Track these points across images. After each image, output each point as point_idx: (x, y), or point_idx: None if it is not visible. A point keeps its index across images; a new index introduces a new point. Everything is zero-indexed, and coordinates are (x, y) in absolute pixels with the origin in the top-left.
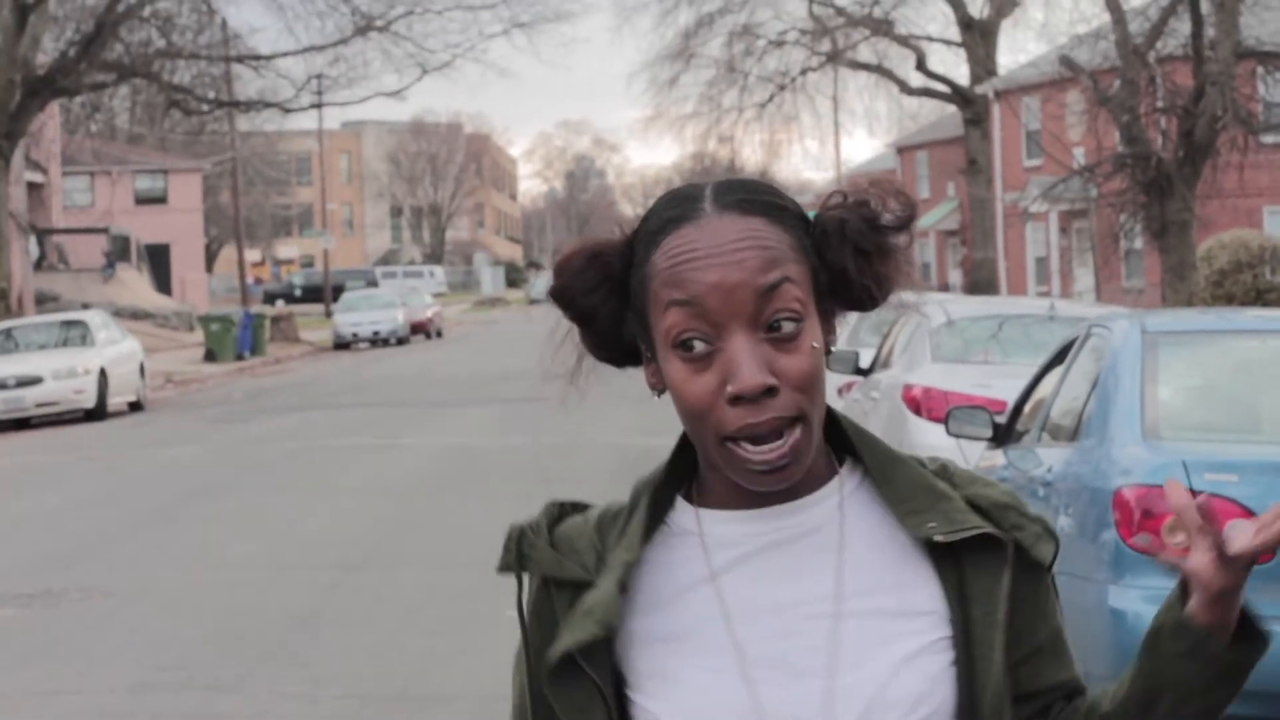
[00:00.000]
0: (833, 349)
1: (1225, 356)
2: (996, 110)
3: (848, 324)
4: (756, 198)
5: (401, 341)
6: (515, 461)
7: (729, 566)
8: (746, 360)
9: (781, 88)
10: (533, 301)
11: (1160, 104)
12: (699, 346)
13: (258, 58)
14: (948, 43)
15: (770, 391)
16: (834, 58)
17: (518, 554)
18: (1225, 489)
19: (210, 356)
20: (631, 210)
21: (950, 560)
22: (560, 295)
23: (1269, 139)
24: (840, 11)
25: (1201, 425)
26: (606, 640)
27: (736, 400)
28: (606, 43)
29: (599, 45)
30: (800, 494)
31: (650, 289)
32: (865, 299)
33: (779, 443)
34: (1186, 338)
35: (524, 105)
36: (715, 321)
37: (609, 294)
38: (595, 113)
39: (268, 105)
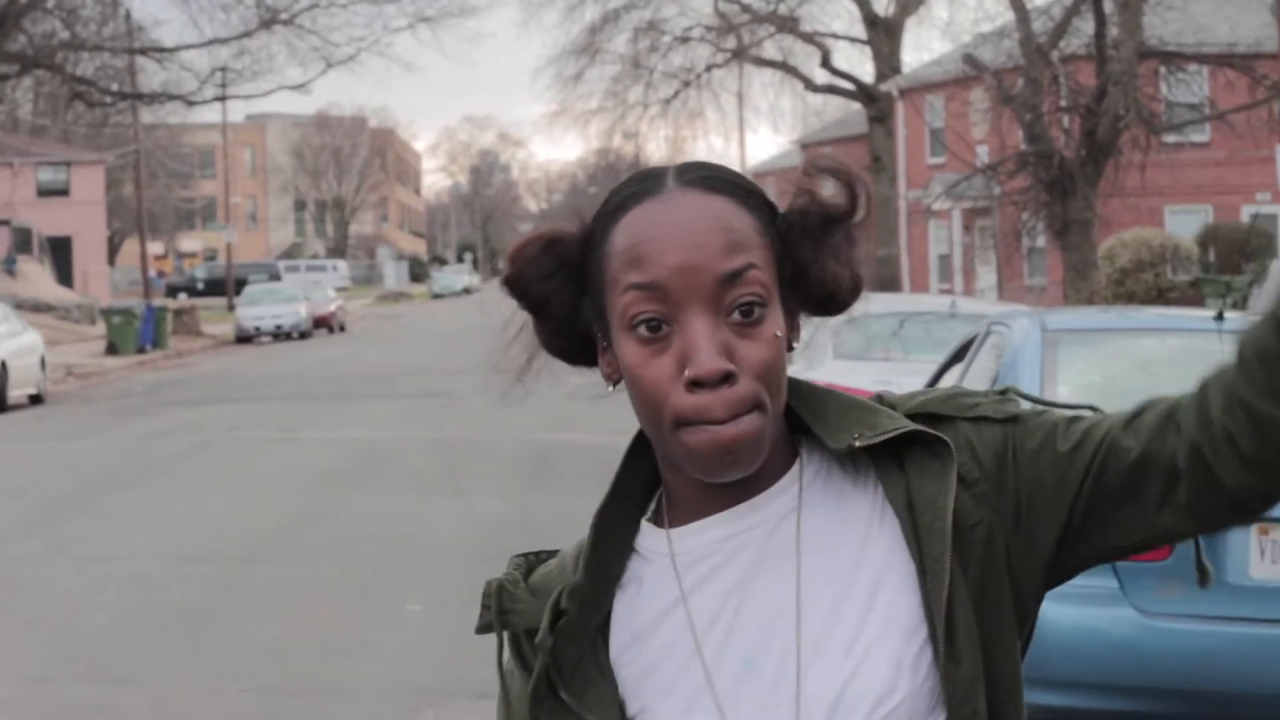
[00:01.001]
0: (794, 345)
1: (1124, 355)
2: (901, 108)
3: None
4: (721, 176)
5: (304, 335)
6: (418, 456)
7: (699, 584)
8: (705, 344)
9: (686, 84)
10: (436, 296)
11: (1063, 103)
12: (653, 327)
13: (162, 50)
14: (853, 40)
15: (729, 378)
16: (739, 54)
17: (498, 610)
18: None
19: (112, 349)
20: (536, 206)
21: (899, 482)
22: (513, 283)
23: (1171, 138)
24: (745, 8)
25: None
26: (606, 679)
27: (694, 385)
28: (512, 37)
29: (505, 40)
30: (760, 489)
31: (608, 269)
32: (825, 298)
33: (733, 424)
34: (1086, 336)
35: (429, 99)
36: (675, 302)
37: (564, 281)
38: (500, 108)
39: (171, 98)
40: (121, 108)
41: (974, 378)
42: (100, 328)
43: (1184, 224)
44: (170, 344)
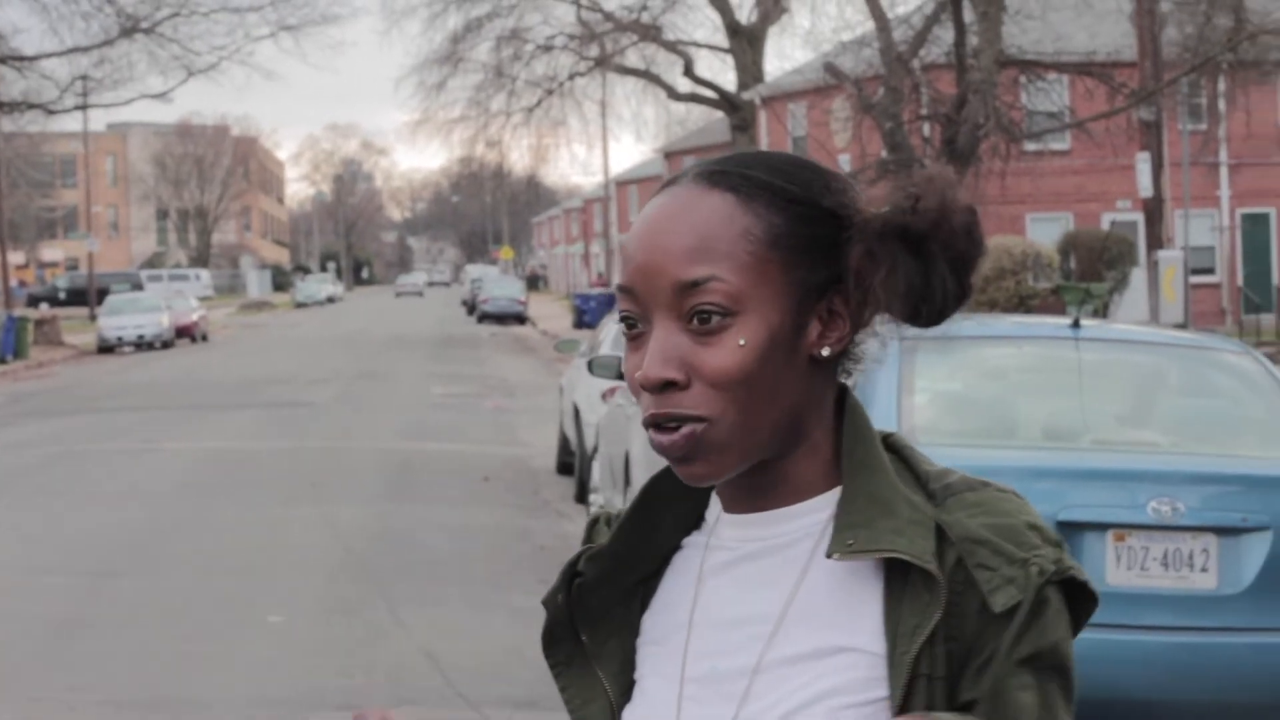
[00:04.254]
0: (825, 353)
1: (982, 362)
2: (763, 116)
3: (611, 330)
4: (739, 170)
5: (167, 345)
6: (280, 466)
7: (714, 571)
8: (654, 350)
9: (550, 92)
10: (299, 305)
11: (924, 111)
12: (630, 325)
13: (21, 58)
14: (715, 49)
15: (674, 385)
16: (602, 63)
17: (588, 541)
18: None
19: None
20: (399, 214)
21: (898, 588)
22: None
23: (1031, 146)
24: (608, 17)
25: (958, 430)
26: (627, 635)
27: (644, 388)
28: (375, 46)
29: (367, 49)
30: (790, 501)
31: None
32: (905, 314)
33: (674, 434)
34: (944, 344)
35: (292, 108)
36: (644, 303)
37: None
38: (363, 116)
39: (31, 106)
40: None
41: None
42: None
43: (1045, 231)
44: (31, 354)
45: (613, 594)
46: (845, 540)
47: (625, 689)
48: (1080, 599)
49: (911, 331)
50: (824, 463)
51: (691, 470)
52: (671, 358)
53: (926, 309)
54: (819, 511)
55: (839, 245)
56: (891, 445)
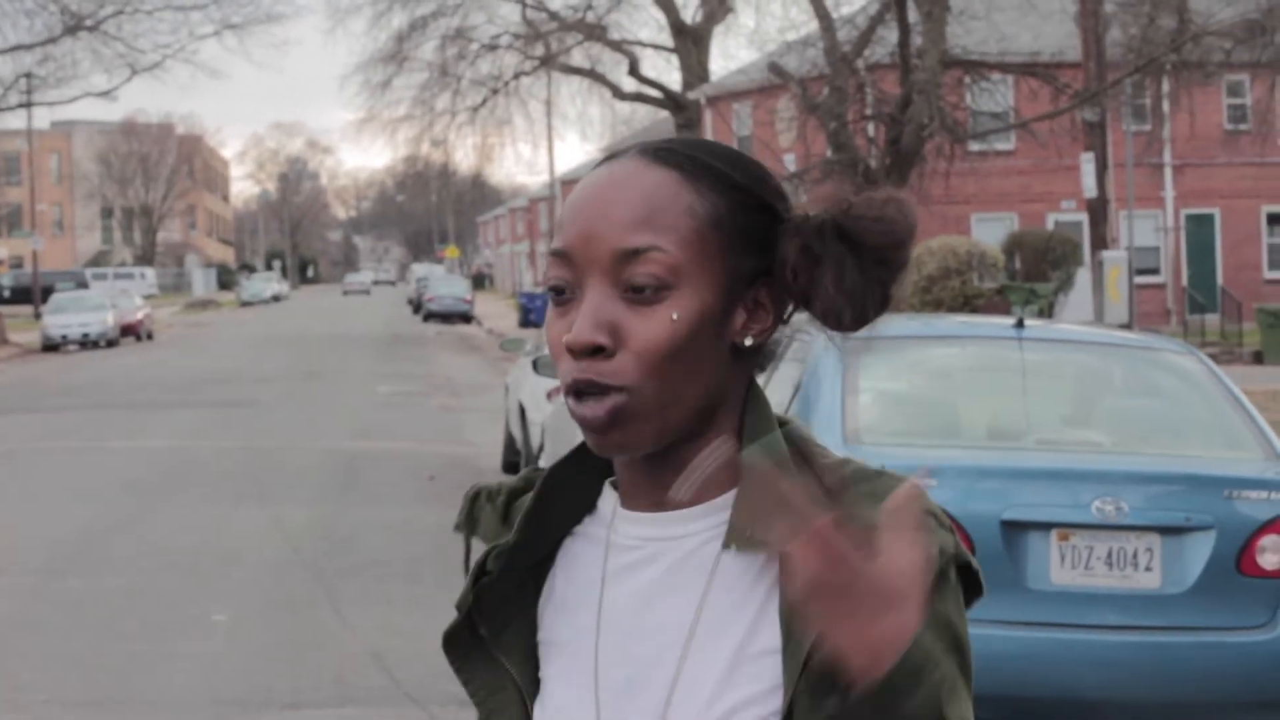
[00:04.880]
0: (747, 342)
1: (926, 362)
2: (708, 116)
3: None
4: (686, 151)
5: (111, 344)
6: (225, 465)
7: (618, 573)
8: (586, 314)
9: (495, 91)
10: (245, 304)
11: (868, 111)
12: (559, 291)
13: None
14: (660, 48)
15: (601, 350)
16: (547, 62)
17: (468, 515)
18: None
19: None
20: (344, 213)
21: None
22: None
23: (976, 147)
24: (553, 16)
25: (903, 430)
26: (525, 624)
27: (569, 351)
28: (319, 45)
29: (312, 47)
30: (695, 501)
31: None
32: (821, 312)
33: (597, 401)
34: (888, 344)
35: (236, 106)
36: (577, 268)
37: None
38: (308, 115)
39: None
40: None
41: (777, 386)
42: None
43: (990, 231)
44: None
45: (508, 584)
46: (744, 534)
47: (531, 679)
48: (969, 588)
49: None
50: (732, 457)
51: (607, 439)
52: (602, 323)
53: (851, 311)
54: (724, 511)
55: (772, 238)
56: (789, 436)
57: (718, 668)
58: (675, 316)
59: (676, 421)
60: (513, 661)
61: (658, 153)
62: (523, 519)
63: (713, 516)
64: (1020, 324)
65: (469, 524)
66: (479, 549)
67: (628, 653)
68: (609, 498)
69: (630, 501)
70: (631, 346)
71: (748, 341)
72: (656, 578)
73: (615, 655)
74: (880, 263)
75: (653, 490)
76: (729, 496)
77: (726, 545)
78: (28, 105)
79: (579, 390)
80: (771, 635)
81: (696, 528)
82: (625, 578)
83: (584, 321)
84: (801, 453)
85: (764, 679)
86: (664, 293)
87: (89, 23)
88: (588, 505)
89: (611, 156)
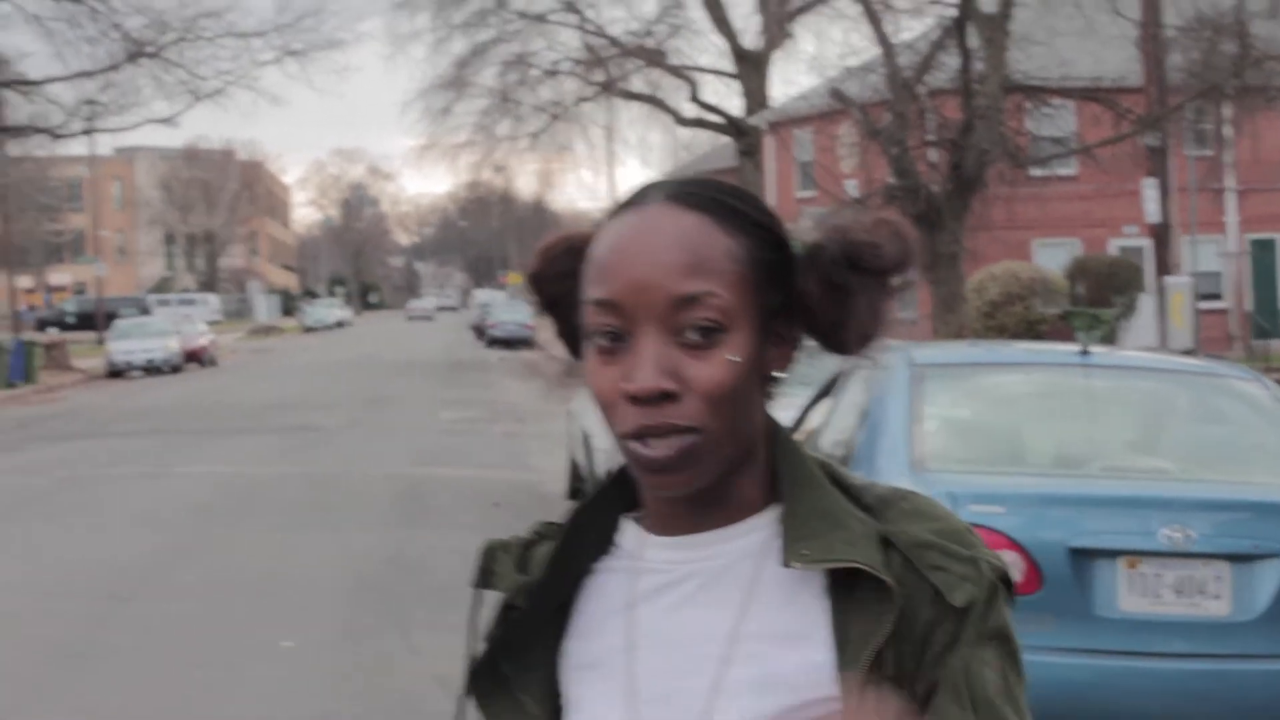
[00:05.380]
0: (778, 374)
1: (992, 389)
2: (769, 142)
3: None
4: (709, 194)
5: (175, 369)
6: (290, 490)
7: (649, 595)
8: (647, 361)
9: (555, 117)
10: (308, 330)
11: (930, 137)
12: (610, 339)
13: (27, 82)
14: (720, 74)
15: (669, 396)
16: (607, 88)
17: (483, 570)
18: (991, 520)
19: None
20: (406, 239)
21: (844, 600)
22: (533, 279)
23: (1038, 172)
24: (614, 42)
25: (968, 457)
26: (549, 661)
27: (632, 400)
28: (380, 71)
29: (373, 73)
30: (729, 522)
31: (585, 275)
32: (830, 337)
33: (666, 441)
34: (953, 370)
35: (298, 133)
36: (629, 318)
37: (577, 282)
38: (369, 141)
39: (37, 130)
40: None
41: (843, 413)
42: None
43: (1052, 257)
44: (40, 378)
45: (532, 623)
46: (799, 550)
47: (553, 714)
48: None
49: (921, 358)
50: (763, 480)
51: (672, 479)
52: (666, 369)
53: (857, 336)
54: (757, 532)
55: (788, 271)
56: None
57: (761, 676)
58: (734, 358)
59: (734, 456)
60: (533, 698)
61: (684, 198)
62: (551, 557)
63: (748, 536)
64: (1085, 351)
65: (484, 577)
66: (490, 602)
67: (665, 664)
68: (629, 532)
69: (661, 528)
70: (695, 389)
71: (779, 374)
72: (691, 593)
73: (652, 668)
74: (884, 287)
75: (689, 516)
76: (765, 515)
77: (786, 563)
78: (90, 132)
79: (644, 434)
80: (817, 648)
81: (731, 548)
82: (657, 597)
83: (648, 369)
84: (828, 472)
85: (813, 684)
86: (718, 335)
87: (150, 50)
88: (606, 544)
89: (632, 202)
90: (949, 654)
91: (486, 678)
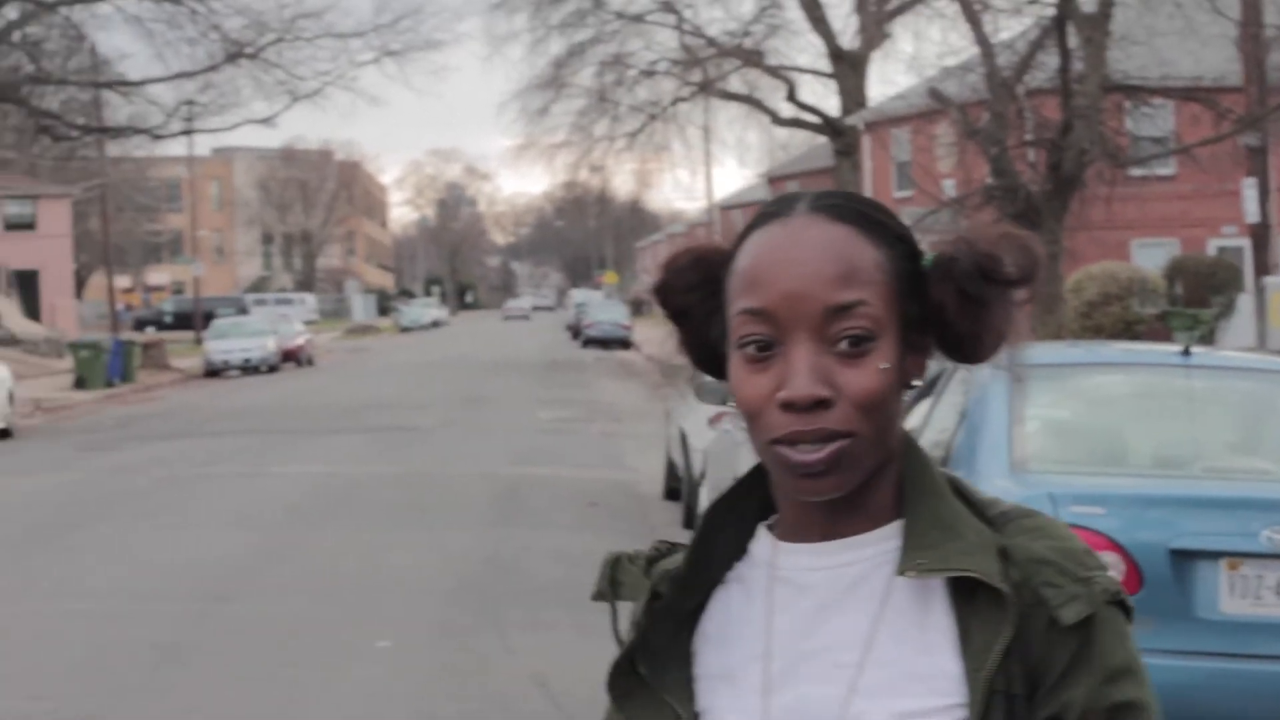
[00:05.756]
0: (916, 383)
1: (1092, 389)
2: (867, 141)
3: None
4: (852, 207)
5: (273, 369)
6: (387, 490)
7: (785, 604)
8: (803, 369)
9: (653, 117)
10: (404, 329)
11: (1028, 136)
12: (761, 347)
13: (127, 83)
14: (818, 74)
15: (823, 404)
16: (705, 88)
17: (610, 579)
18: (1092, 521)
19: (80, 383)
20: (503, 239)
21: (965, 609)
22: (660, 290)
23: (1137, 172)
24: (711, 42)
25: (1068, 458)
26: (686, 665)
27: (787, 406)
28: (478, 71)
29: (470, 74)
30: (862, 530)
31: (730, 286)
32: (963, 348)
33: (819, 447)
34: (1053, 370)
35: (395, 133)
36: (782, 327)
37: (707, 295)
38: (466, 141)
39: (137, 131)
40: (87, 141)
41: (943, 412)
42: (68, 361)
43: (1150, 257)
44: (138, 378)
45: (666, 625)
46: (916, 560)
47: (692, 716)
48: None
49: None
50: (895, 488)
51: (822, 484)
52: (820, 377)
53: (991, 346)
54: (889, 540)
55: (923, 282)
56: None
57: (894, 684)
58: (884, 366)
59: (879, 461)
60: (676, 698)
61: (830, 209)
62: (690, 551)
63: (883, 544)
64: (1187, 352)
65: (612, 587)
66: (624, 612)
67: (798, 673)
68: (763, 540)
69: (794, 535)
70: (848, 396)
71: (916, 382)
72: (826, 602)
73: (786, 677)
74: (1014, 296)
75: (825, 523)
76: (894, 525)
77: (901, 572)
78: (189, 132)
79: (797, 440)
80: (945, 658)
81: (865, 554)
82: (792, 605)
83: (805, 377)
84: (955, 487)
85: (941, 696)
86: (869, 344)
87: (249, 51)
88: (739, 550)
89: (776, 213)
90: (1066, 688)
91: (624, 678)
